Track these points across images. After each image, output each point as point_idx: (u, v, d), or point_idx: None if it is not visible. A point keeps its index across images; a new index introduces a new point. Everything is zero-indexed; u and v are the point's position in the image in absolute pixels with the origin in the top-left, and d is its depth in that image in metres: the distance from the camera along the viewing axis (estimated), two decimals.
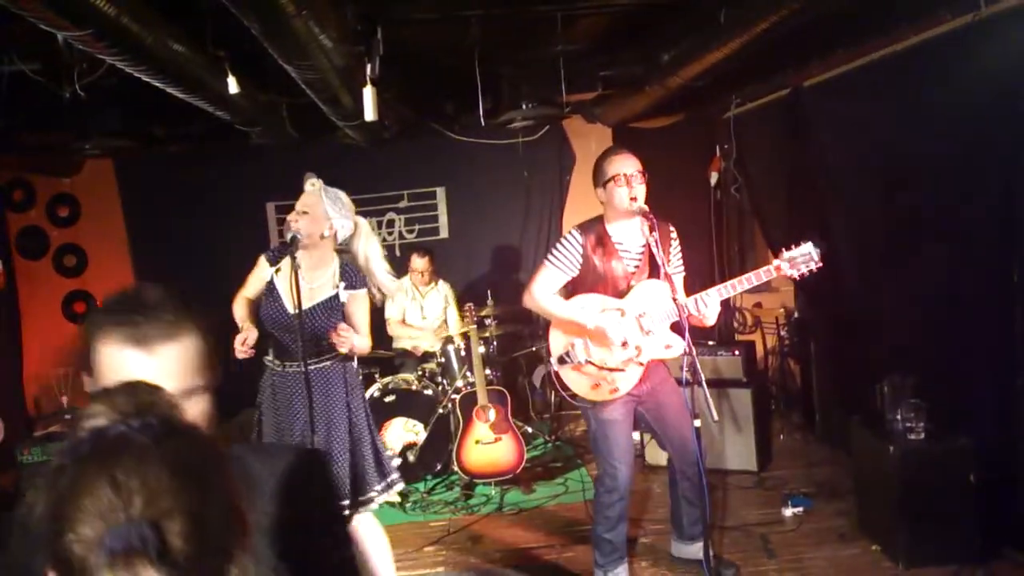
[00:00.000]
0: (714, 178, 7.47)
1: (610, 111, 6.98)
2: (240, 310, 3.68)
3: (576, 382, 3.83)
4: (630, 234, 3.81)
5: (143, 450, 0.85)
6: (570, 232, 3.84)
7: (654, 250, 3.68)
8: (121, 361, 1.22)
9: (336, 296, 3.59)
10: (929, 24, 4.21)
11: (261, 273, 3.68)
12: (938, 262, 4.43)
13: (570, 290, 3.88)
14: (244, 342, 3.46)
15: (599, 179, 3.79)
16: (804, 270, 3.64)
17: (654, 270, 3.80)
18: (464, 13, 4.52)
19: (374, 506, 3.66)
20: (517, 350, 7.15)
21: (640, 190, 3.68)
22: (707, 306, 3.64)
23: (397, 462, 4.53)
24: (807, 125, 5.70)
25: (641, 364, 3.75)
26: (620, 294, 3.79)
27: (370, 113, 4.57)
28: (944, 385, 4.24)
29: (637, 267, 3.80)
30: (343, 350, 3.54)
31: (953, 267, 4.32)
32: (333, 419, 3.59)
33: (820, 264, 3.63)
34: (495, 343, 6.46)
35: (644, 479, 5.62)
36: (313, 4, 3.35)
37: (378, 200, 7.83)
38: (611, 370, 3.73)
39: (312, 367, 3.48)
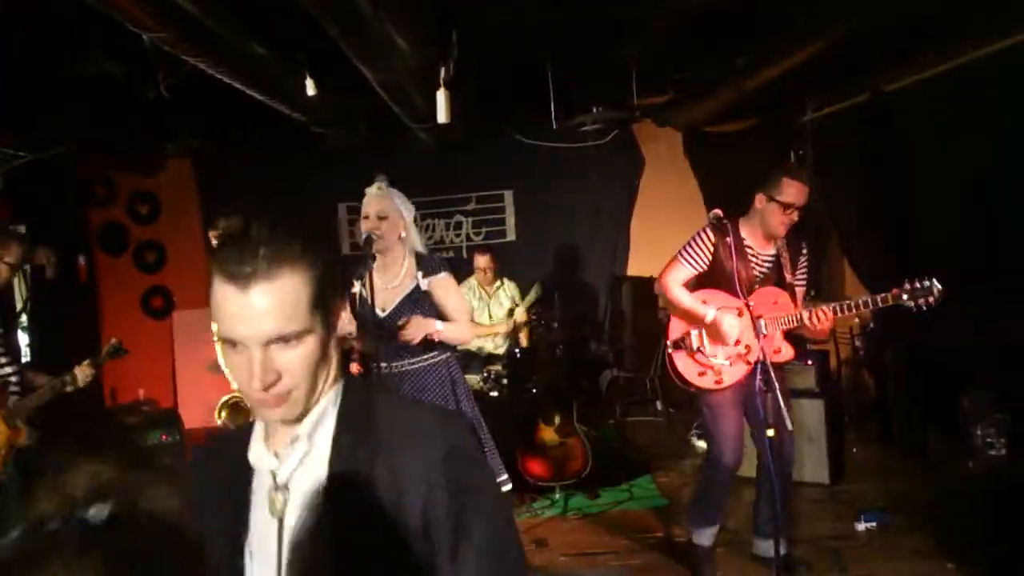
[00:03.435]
0: None
1: (681, 115, 6.91)
2: None
3: (686, 367, 4.01)
4: (763, 242, 3.93)
5: (70, 561, 0.78)
6: (703, 231, 3.94)
7: (784, 261, 3.85)
8: (222, 296, 1.23)
9: (417, 287, 3.59)
10: (1013, 30, 4.08)
11: (354, 291, 3.69)
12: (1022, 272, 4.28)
13: (696, 284, 4.00)
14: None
15: (770, 190, 3.80)
16: (921, 302, 3.67)
17: (780, 279, 3.92)
18: (538, 16, 4.52)
19: None
20: (583, 353, 7.12)
21: (795, 220, 3.79)
22: (821, 321, 3.72)
23: None
24: (889, 130, 5.56)
25: (748, 363, 3.86)
26: (743, 295, 3.88)
27: (443, 115, 4.61)
28: None
29: (764, 273, 3.93)
30: (413, 338, 3.47)
31: None
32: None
33: (938, 301, 3.65)
34: (561, 346, 6.43)
35: None
36: (390, 7, 3.38)
37: (446, 202, 7.90)
38: (720, 361, 3.90)
39: (415, 366, 3.54)
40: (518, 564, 1.37)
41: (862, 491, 5.22)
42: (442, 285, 3.64)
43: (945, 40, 4.67)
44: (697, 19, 4.75)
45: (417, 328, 3.47)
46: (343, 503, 1.29)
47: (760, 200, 3.84)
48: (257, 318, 1.22)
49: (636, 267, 7.83)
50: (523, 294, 6.70)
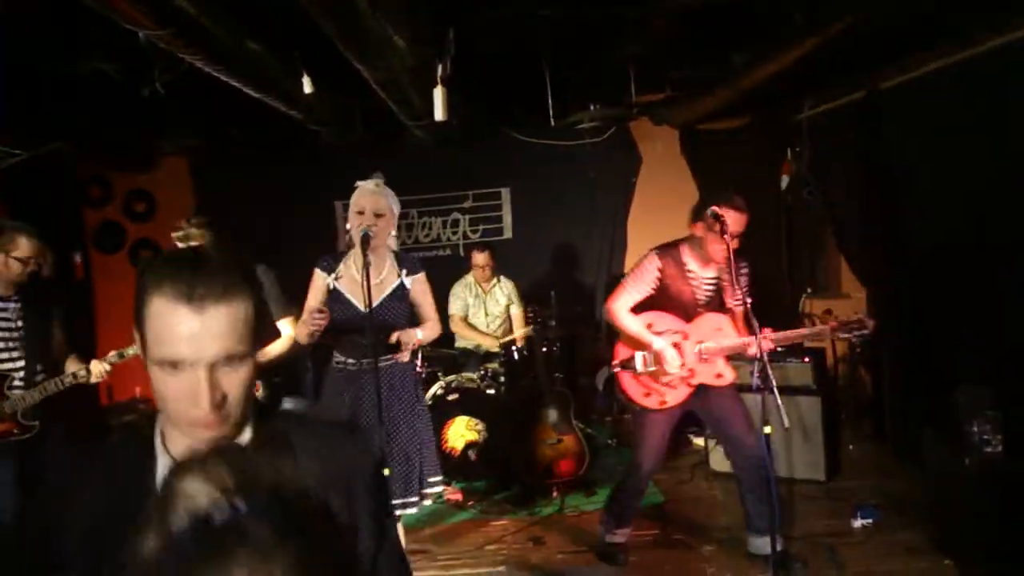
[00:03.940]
0: (784, 182, 7.32)
1: (678, 113, 6.92)
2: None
3: (632, 387, 4.17)
4: (704, 266, 4.08)
5: (264, 546, 0.75)
6: (650, 257, 4.12)
7: (725, 285, 4.06)
8: (171, 316, 1.21)
9: (402, 284, 3.71)
10: (1010, 27, 4.09)
11: (319, 284, 3.73)
12: (1019, 270, 4.29)
13: (645, 304, 4.14)
14: (321, 312, 3.48)
15: (706, 221, 3.88)
16: (854, 336, 3.91)
17: (723, 302, 4.14)
18: (535, 14, 4.52)
19: (427, 502, 3.81)
20: (580, 351, 7.12)
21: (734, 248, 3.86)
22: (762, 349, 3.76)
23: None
24: (884, 129, 5.56)
25: (691, 387, 4.07)
26: (688, 318, 4.09)
27: (440, 113, 4.61)
28: (1022, 397, 4.09)
29: (708, 296, 4.11)
30: (406, 358, 3.67)
31: None
32: (416, 411, 3.76)
33: (871, 333, 3.90)
34: (557, 344, 6.44)
35: (709, 486, 5.56)
36: (387, 4, 3.38)
37: (443, 200, 7.89)
38: (664, 385, 4.08)
39: (391, 363, 3.65)
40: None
41: (858, 488, 5.24)
42: (422, 284, 3.79)
43: (940, 38, 4.67)
44: (694, 17, 4.76)
45: (408, 345, 3.61)
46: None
47: (699, 228, 3.95)
48: (210, 338, 1.21)
49: (629, 269, 7.82)
50: (519, 292, 6.71)
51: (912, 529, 4.51)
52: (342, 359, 3.73)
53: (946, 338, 5.10)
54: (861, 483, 5.33)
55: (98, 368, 3.94)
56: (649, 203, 7.75)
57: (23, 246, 3.90)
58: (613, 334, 4.36)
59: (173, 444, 1.34)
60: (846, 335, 3.90)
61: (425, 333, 3.76)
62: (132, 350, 3.94)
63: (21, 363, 3.92)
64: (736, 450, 4.18)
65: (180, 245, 3.71)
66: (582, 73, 5.97)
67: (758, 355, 3.51)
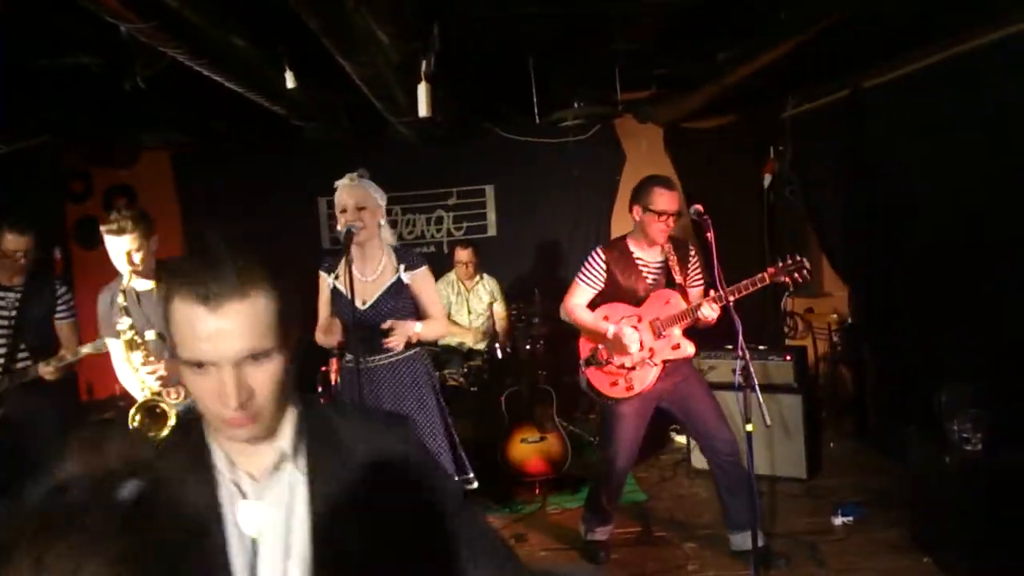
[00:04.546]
0: (767, 180, 7.35)
1: (663, 110, 6.92)
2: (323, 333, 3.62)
3: (599, 380, 4.27)
4: (650, 251, 4.20)
5: (91, 534, 0.75)
6: (595, 252, 4.26)
7: (671, 266, 4.14)
8: (190, 317, 1.21)
9: (399, 280, 3.60)
10: (994, 26, 4.11)
11: (323, 286, 3.70)
12: (1000, 268, 4.32)
13: (599, 300, 4.26)
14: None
15: (641, 203, 4.08)
16: (797, 277, 3.86)
17: (671, 282, 4.19)
18: (520, 11, 4.50)
19: None
20: (563, 349, 7.11)
21: (671, 226, 4.06)
22: (712, 311, 3.90)
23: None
24: (868, 127, 5.58)
25: (655, 364, 4.12)
26: (639, 302, 4.19)
27: (424, 109, 4.59)
28: (1004, 395, 4.12)
29: (656, 279, 4.21)
30: (398, 345, 3.50)
31: (1015, 274, 4.20)
32: (426, 408, 3.62)
33: (809, 271, 3.86)
34: (541, 341, 6.44)
35: (691, 484, 5.58)
36: (371, 0, 3.36)
37: (427, 197, 7.87)
38: (628, 369, 4.14)
39: (396, 358, 3.57)
40: (509, 551, 1.47)
41: (839, 486, 5.27)
42: (422, 279, 3.68)
43: (925, 36, 4.70)
44: (680, 14, 4.76)
45: (401, 335, 3.49)
46: (330, 519, 1.30)
47: (636, 212, 4.11)
48: (230, 337, 1.21)
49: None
50: (503, 290, 6.70)
51: (893, 526, 4.54)
52: (350, 357, 3.68)
53: (927, 336, 5.13)
54: (842, 481, 5.35)
55: (45, 368, 3.91)
56: None
57: (8, 240, 3.92)
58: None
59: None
60: (785, 277, 3.86)
61: (425, 328, 3.62)
62: (88, 348, 3.92)
63: (4, 350, 3.94)
64: (710, 445, 4.23)
65: (113, 238, 3.61)
66: (567, 70, 5.95)
67: (741, 353, 3.51)
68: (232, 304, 1.21)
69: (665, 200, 3.98)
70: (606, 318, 4.16)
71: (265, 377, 1.25)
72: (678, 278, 4.12)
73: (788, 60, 4.58)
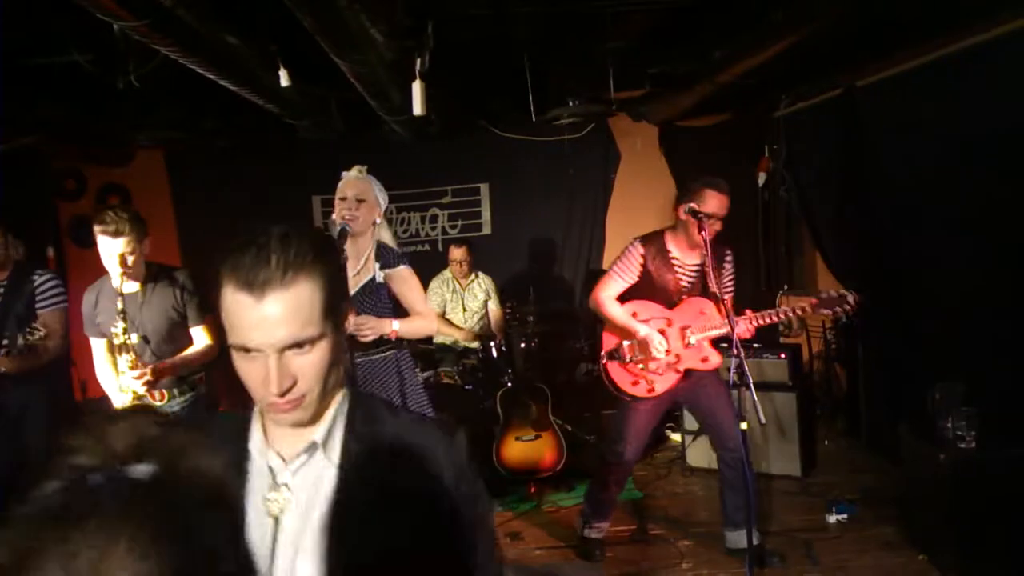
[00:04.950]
0: (762, 179, 7.36)
1: (657, 109, 6.92)
2: None
3: (620, 377, 4.18)
4: (689, 253, 4.10)
5: (112, 518, 0.75)
6: (634, 245, 4.16)
7: (708, 271, 3.97)
8: (237, 304, 1.23)
9: (373, 278, 3.54)
10: (987, 25, 4.12)
11: None
12: (994, 267, 4.33)
13: (628, 294, 4.17)
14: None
15: (689, 202, 3.91)
16: (839, 312, 3.91)
17: (705, 288, 4.09)
18: (515, 10, 4.50)
19: None
20: (558, 347, 7.12)
21: (717, 230, 3.93)
22: (747, 330, 3.98)
23: None
24: (861, 125, 5.59)
25: (678, 372, 4.08)
26: (671, 305, 4.12)
27: (418, 108, 4.59)
28: (997, 393, 4.14)
29: (691, 282, 4.12)
30: (366, 338, 3.37)
31: (1009, 272, 4.21)
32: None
33: (853, 309, 3.88)
34: (536, 340, 6.44)
35: (686, 482, 5.59)
36: None
37: (422, 195, 7.87)
38: (652, 372, 4.08)
39: (360, 359, 3.44)
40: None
41: (833, 483, 5.28)
42: (400, 278, 3.60)
43: (917, 36, 4.70)
44: (674, 13, 4.77)
45: (372, 329, 3.37)
46: (350, 511, 1.30)
47: (682, 211, 3.97)
48: (273, 325, 1.22)
49: (612, 261, 7.83)
50: (497, 288, 6.69)
51: (887, 524, 4.55)
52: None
53: (921, 334, 5.14)
54: (836, 478, 5.37)
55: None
56: (628, 199, 7.76)
57: None
58: (594, 327, 4.38)
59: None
60: (827, 311, 3.87)
61: (406, 325, 3.53)
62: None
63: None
64: (722, 443, 4.21)
65: (108, 239, 3.58)
66: (561, 69, 5.95)
67: (736, 352, 3.50)
68: (275, 292, 1.22)
69: (716, 203, 3.87)
70: (635, 315, 4.08)
71: (309, 364, 1.27)
72: (712, 286, 3.97)
73: (781, 58, 4.59)
